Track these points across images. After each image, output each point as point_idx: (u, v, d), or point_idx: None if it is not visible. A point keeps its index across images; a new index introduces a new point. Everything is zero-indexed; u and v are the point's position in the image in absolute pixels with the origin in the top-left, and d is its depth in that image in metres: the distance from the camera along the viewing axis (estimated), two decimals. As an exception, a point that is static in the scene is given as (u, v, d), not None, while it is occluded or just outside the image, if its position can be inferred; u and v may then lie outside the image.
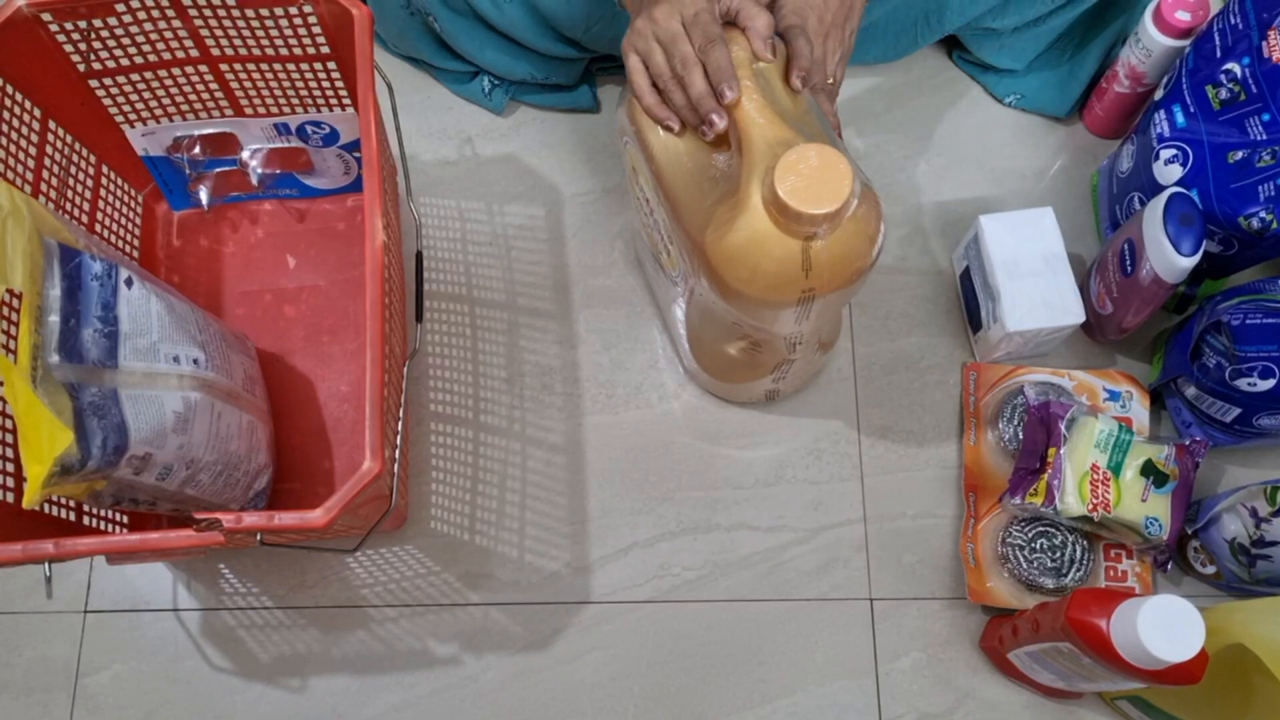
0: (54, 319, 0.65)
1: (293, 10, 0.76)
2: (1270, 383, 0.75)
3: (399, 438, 0.73)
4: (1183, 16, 0.84)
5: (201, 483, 0.74)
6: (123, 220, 0.91)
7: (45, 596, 0.65)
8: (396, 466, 0.73)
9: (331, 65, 0.82)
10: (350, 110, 0.87)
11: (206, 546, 0.62)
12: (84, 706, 0.84)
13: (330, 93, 0.85)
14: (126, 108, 0.85)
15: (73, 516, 0.76)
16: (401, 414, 0.74)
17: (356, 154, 0.91)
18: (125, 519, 0.82)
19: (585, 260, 0.96)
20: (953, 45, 1.02)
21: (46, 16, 0.75)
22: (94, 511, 0.78)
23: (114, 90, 0.83)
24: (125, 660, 0.85)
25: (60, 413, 0.62)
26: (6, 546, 0.61)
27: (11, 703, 0.84)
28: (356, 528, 0.75)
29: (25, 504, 0.62)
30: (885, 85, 1.02)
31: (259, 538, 0.63)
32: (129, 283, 0.71)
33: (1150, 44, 0.86)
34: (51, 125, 0.81)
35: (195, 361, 0.74)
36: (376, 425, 0.63)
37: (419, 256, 0.86)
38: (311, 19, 0.77)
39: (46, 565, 0.64)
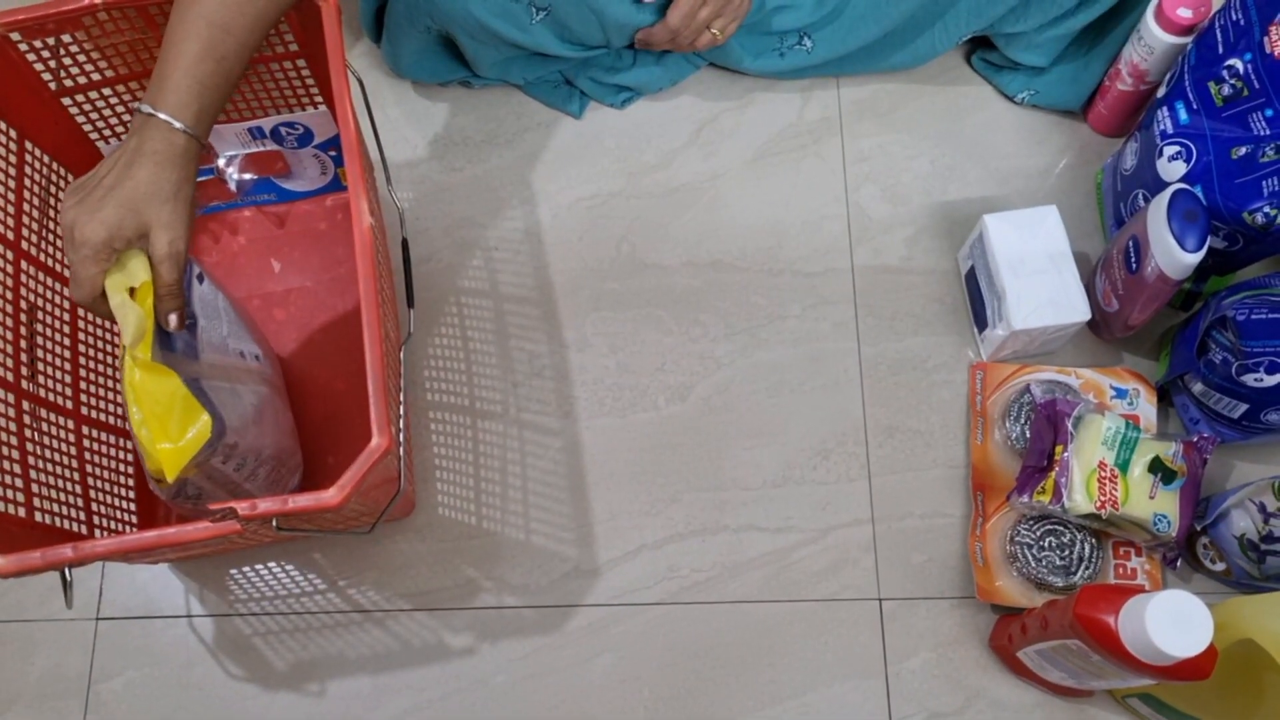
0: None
1: None
2: (1277, 378, 0.75)
3: (401, 420, 0.74)
4: (1184, 13, 0.84)
5: (259, 477, 0.75)
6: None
7: (65, 605, 0.65)
8: (402, 450, 0.74)
9: (301, 63, 0.82)
10: (323, 109, 0.87)
11: (224, 537, 0.63)
12: (97, 714, 0.85)
13: (301, 92, 0.86)
14: (100, 123, 0.86)
15: (84, 529, 0.77)
16: (402, 398, 0.75)
17: (332, 152, 0.92)
18: (136, 520, 0.83)
19: (591, 264, 0.96)
20: (974, 47, 1.02)
21: (15, 36, 0.75)
22: (104, 525, 0.79)
23: (87, 106, 0.83)
24: (138, 667, 0.86)
25: None
26: (26, 554, 0.62)
27: (26, 711, 0.85)
28: (368, 513, 0.75)
29: (170, 479, 0.64)
30: (890, 86, 1.02)
31: (275, 524, 0.64)
32: (200, 278, 0.72)
33: (1152, 41, 0.86)
34: (28, 146, 0.82)
35: (257, 357, 0.75)
36: (381, 402, 0.64)
37: (405, 244, 0.86)
38: None
39: (67, 570, 0.64)
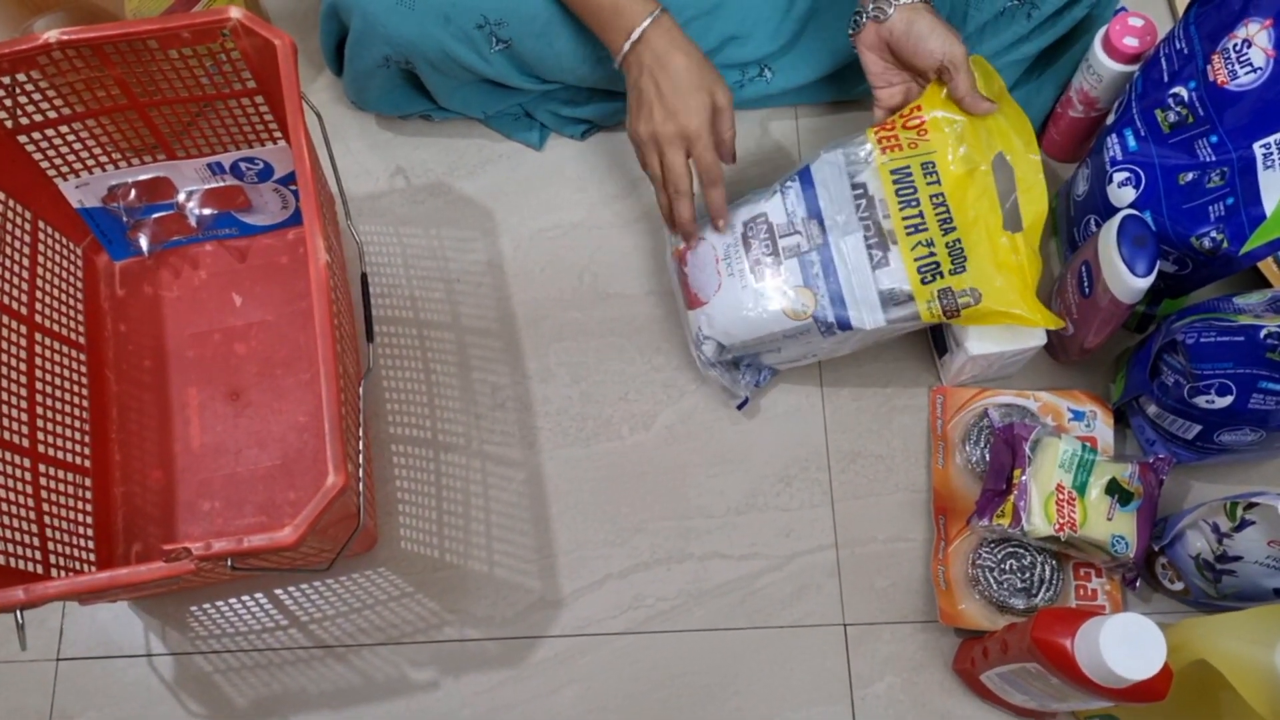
0: None
1: (215, 47, 0.77)
2: (1228, 399, 0.76)
3: (361, 456, 0.73)
4: (1131, 42, 0.86)
5: None
6: (64, 275, 0.90)
7: (20, 647, 0.65)
8: (362, 486, 0.73)
9: (259, 99, 0.83)
10: (282, 143, 0.88)
11: (178, 577, 0.62)
12: (57, 756, 0.84)
13: (260, 127, 0.86)
14: (58, 160, 0.85)
15: (40, 569, 0.76)
16: (361, 432, 0.75)
17: (292, 187, 0.92)
18: (94, 558, 0.82)
19: (553, 294, 0.97)
20: None
21: None
22: (61, 565, 0.79)
23: (44, 144, 0.83)
24: (99, 708, 0.85)
25: None
26: (-26, 597, 0.61)
27: (-16, 754, 0.84)
28: (327, 550, 0.75)
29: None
30: (847, 115, 1.03)
31: (229, 563, 0.63)
32: None
33: (1100, 70, 0.88)
34: None
35: None
36: (337, 440, 0.64)
37: (364, 278, 0.87)
38: (235, 54, 0.78)
39: (18, 613, 0.63)
